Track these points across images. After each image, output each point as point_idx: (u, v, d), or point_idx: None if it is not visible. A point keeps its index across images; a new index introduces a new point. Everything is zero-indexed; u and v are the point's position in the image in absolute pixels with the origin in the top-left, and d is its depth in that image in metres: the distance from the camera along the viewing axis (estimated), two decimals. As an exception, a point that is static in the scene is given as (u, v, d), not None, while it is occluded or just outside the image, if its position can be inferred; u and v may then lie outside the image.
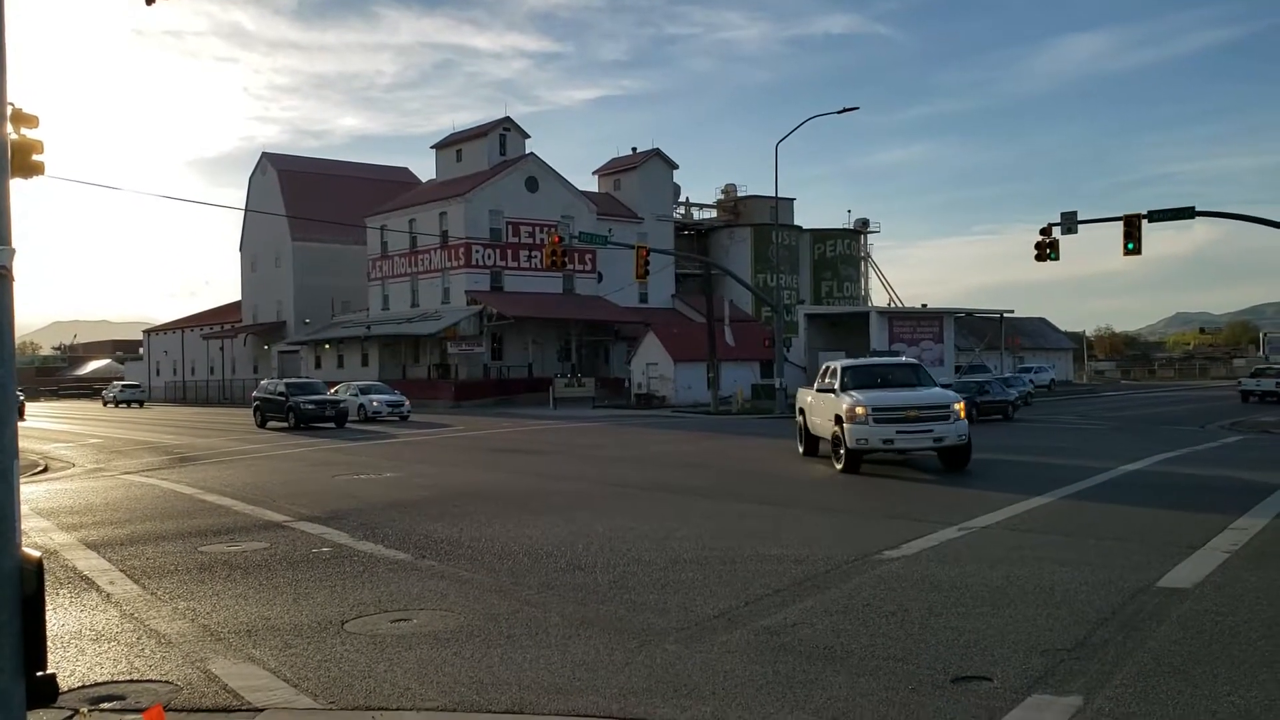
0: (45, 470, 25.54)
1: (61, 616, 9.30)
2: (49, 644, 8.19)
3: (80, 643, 8.42)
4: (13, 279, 3.02)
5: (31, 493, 20.20)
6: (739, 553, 11.67)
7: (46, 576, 10.63)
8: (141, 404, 75.35)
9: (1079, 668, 7.12)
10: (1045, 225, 35.80)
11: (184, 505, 17.57)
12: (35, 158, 20.32)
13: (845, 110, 44.20)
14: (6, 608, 2.90)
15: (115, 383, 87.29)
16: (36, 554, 3.00)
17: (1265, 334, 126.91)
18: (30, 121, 20.17)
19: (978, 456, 20.97)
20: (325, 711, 6.68)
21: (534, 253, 69.47)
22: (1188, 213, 34.21)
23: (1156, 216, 33.98)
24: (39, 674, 3.05)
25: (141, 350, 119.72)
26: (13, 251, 2.99)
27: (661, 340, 58.45)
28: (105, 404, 76.84)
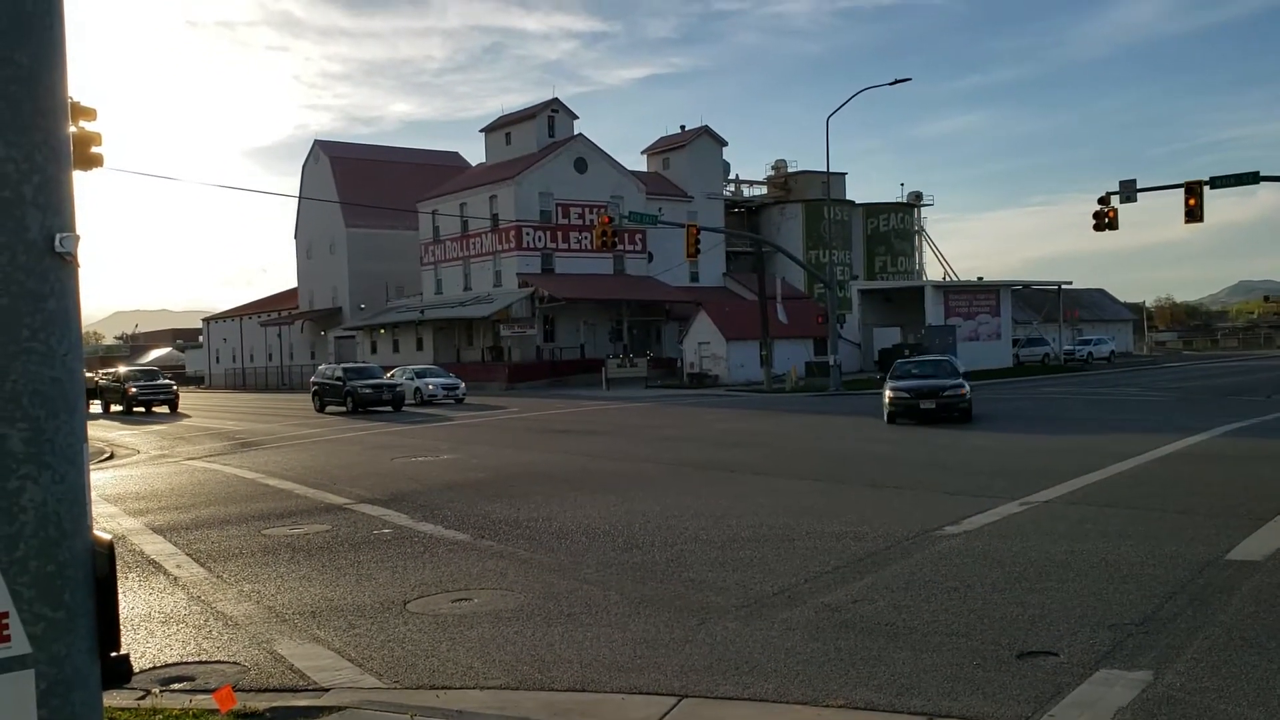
0: (111, 457, 26.07)
1: (131, 600, 9.50)
2: (120, 626, 8.39)
3: (150, 625, 8.59)
4: (78, 265, 3.05)
5: (99, 479, 20.63)
6: (796, 530, 11.63)
7: (116, 561, 10.84)
8: (173, 406, 48.65)
9: (1148, 642, 7.00)
10: (1103, 194, 35.14)
11: (246, 489, 17.85)
12: (94, 150, 20.66)
13: (897, 81, 43.61)
14: (80, 590, 2.95)
15: (122, 370, 57.58)
16: (108, 537, 3.05)
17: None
18: (89, 114, 20.50)
19: (1036, 431, 20.55)
20: (390, 690, 6.76)
21: (584, 234, 69.50)
22: (1251, 178, 33.37)
23: (1219, 183, 33.19)
24: (113, 654, 3.09)
25: (201, 338, 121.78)
26: (78, 238, 3.02)
27: (713, 319, 58.25)
28: (109, 407, 50.83)
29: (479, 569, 10.26)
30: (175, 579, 10.41)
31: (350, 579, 10.04)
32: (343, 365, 47.32)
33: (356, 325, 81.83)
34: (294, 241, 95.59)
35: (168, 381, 52.47)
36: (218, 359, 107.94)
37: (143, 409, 48.17)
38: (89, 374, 55.58)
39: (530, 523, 12.87)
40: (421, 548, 11.52)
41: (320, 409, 43.38)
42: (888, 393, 27.26)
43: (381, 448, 25.07)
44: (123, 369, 57.50)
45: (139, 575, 10.65)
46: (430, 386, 47.04)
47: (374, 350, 79.20)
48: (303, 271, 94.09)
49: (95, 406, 51.10)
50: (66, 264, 2.97)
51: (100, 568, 3.05)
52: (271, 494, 17.04)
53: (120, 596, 9.90)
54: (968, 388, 26.91)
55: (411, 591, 9.36)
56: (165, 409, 48.61)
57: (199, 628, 8.48)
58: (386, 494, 16.15)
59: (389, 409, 41.38)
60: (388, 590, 9.46)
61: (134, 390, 48.43)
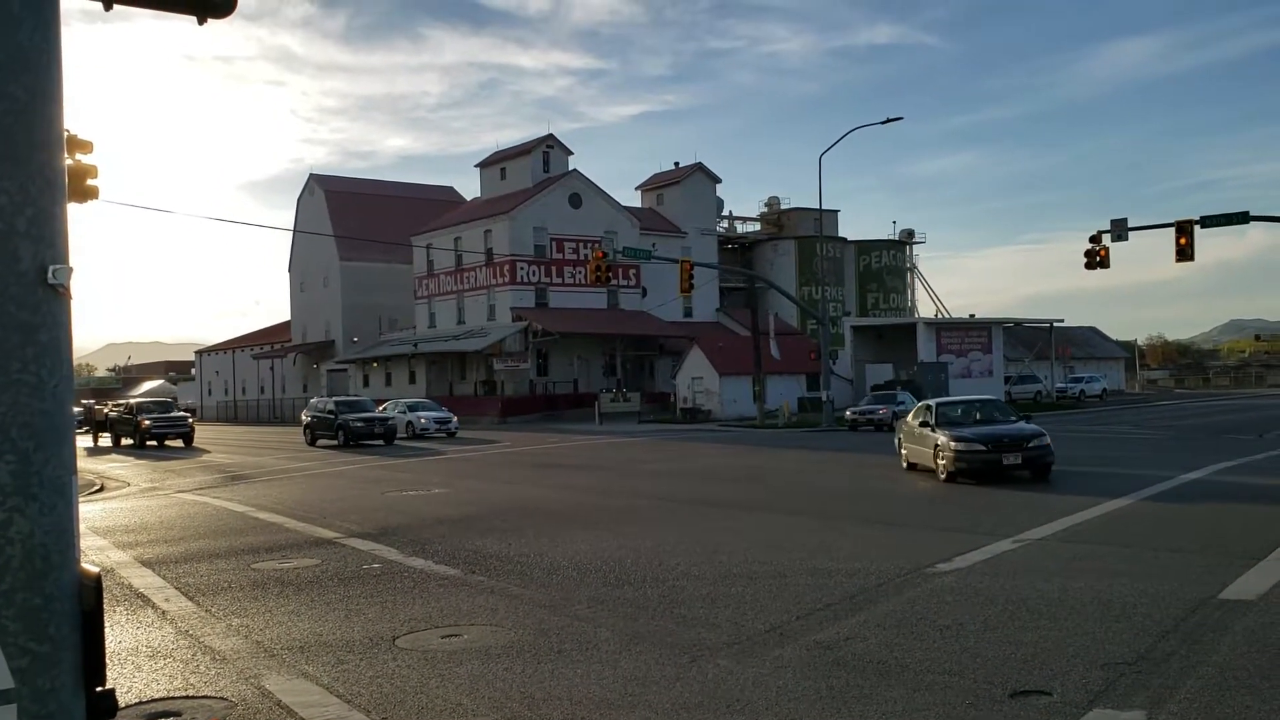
0: (101, 489, 25.94)
1: (118, 633, 9.41)
2: (107, 660, 8.31)
3: (137, 659, 8.51)
4: (70, 297, 3.05)
5: (88, 511, 20.51)
6: (789, 566, 11.58)
7: (104, 594, 10.71)
8: (188, 440, 45.76)
9: (1141, 682, 6.97)
10: (1095, 233, 35.36)
11: (236, 523, 17.76)
12: (90, 182, 20.68)
13: (889, 120, 44.01)
14: (66, 623, 2.92)
15: (134, 401, 52.97)
16: (95, 570, 3.02)
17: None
18: (85, 147, 20.54)
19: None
20: (378, 727, 6.68)
21: (578, 269, 69.67)
22: (1242, 218, 33.63)
23: (1210, 222, 33.43)
24: (98, 689, 3.06)
25: (193, 370, 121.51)
26: (70, 270, 3.02)
27: (706, 354, 58.33)
28: (119, 440, 48.13)
29: (469, 605, 10.19)
30: (163, 613, 10.33)
31: (339, 614, 9.97)
32: (334, 398, 47.25)
33: (349, 358, 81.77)
34: (288, 274, 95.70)
35: (183, 414, 49.98)
36: (210, 391, 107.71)
37: (155, 443, 45.61)
38: (98, 406, 54.76)
39: (521, 558, 12.81)
40: (411, 583, 11.45)
41: (311, 442, 43.24)
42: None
43: (372, 481, 24.97)
44: (135, 400, 54.62)
45: (127, 609, 10.57)
46: (422, 420, 46.94)
47: (366, 383, 79.09)
48: (296, 304, 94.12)
49: (104, 440, 49.87)
50: (59, 296, 2.96)
51: (87, 601, 3.02)
52: (261, 527, 16.94)
53: (108, 630, 9.78)
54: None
55: (401, 627, 9.29)
56: (180, 443, 46.03)
57: (186, 662, 8.40)
58: (377, 528, 16.07)
59: (381, 443, 41.27)
60: (377, 625, 9.39)
61: (148, 423, 45.68)
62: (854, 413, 43.78)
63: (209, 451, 42.36)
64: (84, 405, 60.96)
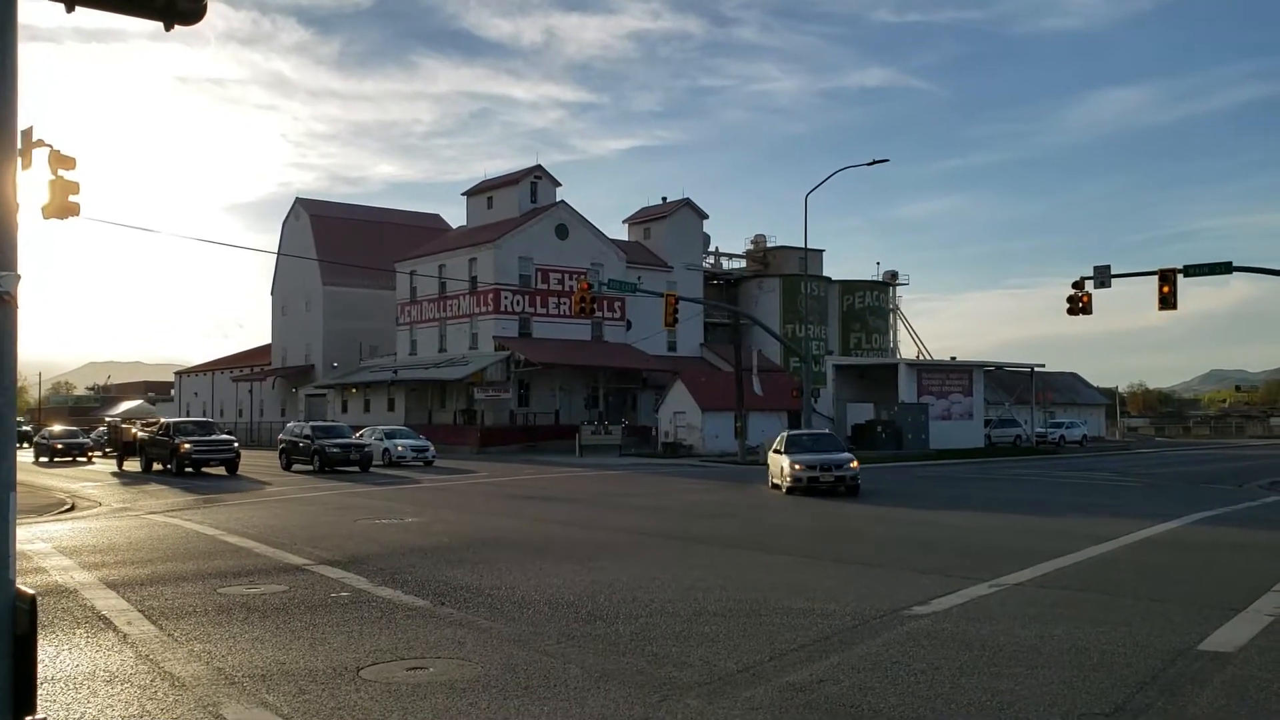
0: (72, 509, 25.57)
1: (76, 656, 9.18)
2: (62, 684, 8.09)
3: (93, 684, 8.28)
4: (16, 305, 2.92)
5: (56, 531, 20.20)
6: (764, 605, 11.43)
7: (65, 616, 10.48)
8: (232, 468, 39.76)
9: (1118, 733, 6.83)
10: (1078, 279, 35.53)
11: (205, 546, 17.48)
12: (72, 199, 20.53)
13: (875, 162, 44.25)
14: (-3, 647, 2.77)
15: (170, 421, 45.82)
16: (31, 592, 2.87)
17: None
18: (68, 163, 20.41)
19: (1008, 512, 20.54)
20: (336, 761, 6.49)
21: (563, 300, 69.64)
22: (1225, 268, 33.84)
23: (1193, 271, 33.63)
24: (28, 718, 2.89)
25: (173, 391, 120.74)
26: (17, 278, 2.89)
27: (689, 389, 58.25)
28: (151, 465, 41.97)
29: (437, 637, 10.00)
30: (124, 636, 10.09)
31: (304, 642, 9.76)
32: (311, 424, 46.83)
33: (328, 384, 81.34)
34: (270, 298, 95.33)
35: (228, 437, 42.96)
36: (189, 413, 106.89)
37: (192, 469, 39.27)
38: (125, 425, 49.98)
39: (492, 590, 12.61)
40: (379, 613, 11.24)
41: (287, 467, 42.85)
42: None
43: (345, 509, 24.70)
44: (170, 420, 46.22)
45: (87, 631, 10.33)
46: (399, 448, 46.65)
47: (345, 409, 78.64)
48: (277, 328, 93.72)
49: (133, 464, 43.64)
50: (4, 304, 2.84)
51: (20, 624, 2.87)
52: (230, 552, 16.68)
53: (66, 653, 9.57)
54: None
55: (366, 658, 9.09)
56: (222, 470, 39.67)
57: (144, 688, 8.17)
58: (347, 556, 15.84)
59: (356, 469, 40.94)
60: (342, 655, 9.19)
61: (188, 447, 39.18)
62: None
63: (270, 484, 36.25)
64: (109, 424, 57.41)
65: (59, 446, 52.88)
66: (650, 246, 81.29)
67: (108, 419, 63.08)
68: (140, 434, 43.98)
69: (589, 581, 13.16)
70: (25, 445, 61.59)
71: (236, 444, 41.47)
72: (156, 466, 41.04)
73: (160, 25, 3.35)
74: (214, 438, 41.05)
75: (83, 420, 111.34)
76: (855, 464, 28.11)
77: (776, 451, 29.74)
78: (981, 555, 15.78)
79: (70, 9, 3.15)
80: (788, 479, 27.80)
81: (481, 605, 11.62)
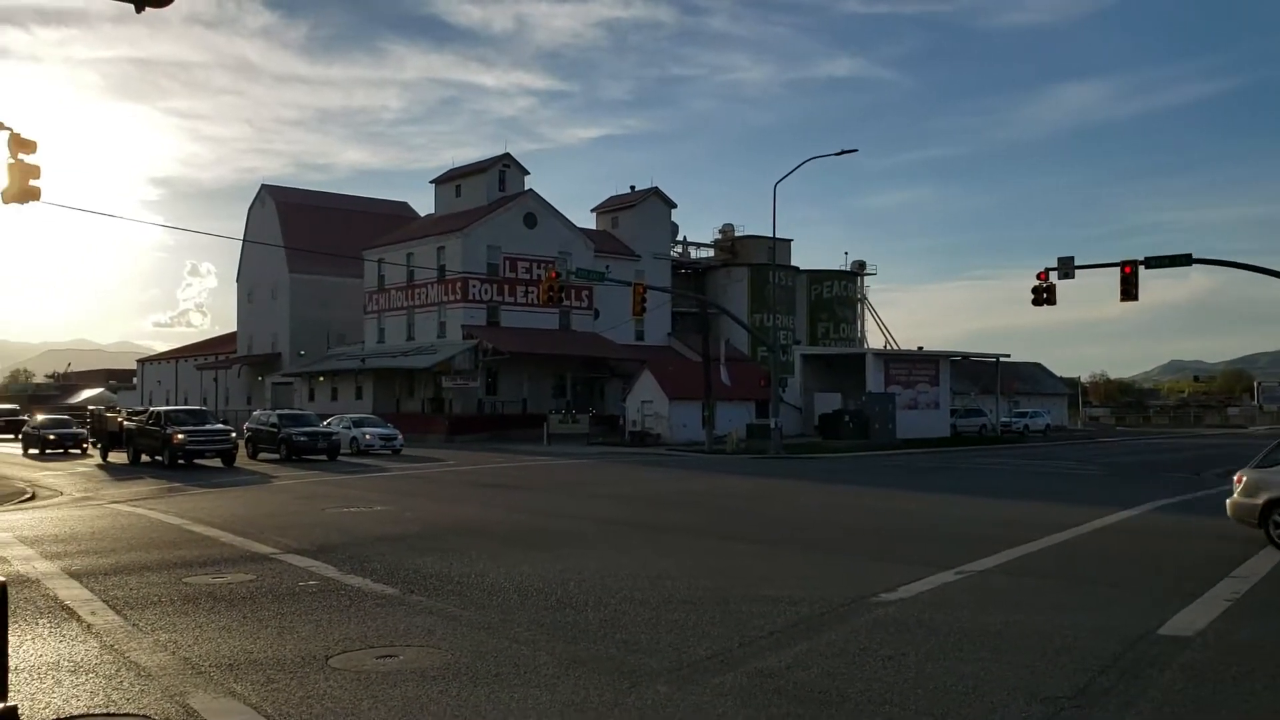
0: (33, 498, 25.26)
1: (40, 646, 9.10)
2: (26, 674, 8.02)
3: (57, 674, 8.22)
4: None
5: (17, 520, 19.96)
6: (732, 593, 11.50)
7: (27, 605, 10.36)
8: (228, 459, 37.53)
9: (1080, 716, 6.96)
10: (1042, 270, 35.85)
11: (171, 535, 17.34)
12: (32, 183, 20.26)
13: (844, 152, 44.41)
14: (-34, 635, 2.75)
15: (160, 409, 41.94)
16: (0, 579, 2.85)
17: (1259, 383, 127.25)
18: (29, 147, 20.14)
19: (974, 500, 20.71)
20: (305, 749, 6.48)
21: (531, 288, 69.48)
22: (1185, 260, 34.26)
23: (1154, 263, 34.03)
24: (1, 706, 2.89)
25: (135, 380, 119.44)
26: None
27: (657, 378, 58.29)
28: (139, 456, 39.62)
29: (406, 625, 9.99)
30: (89, 626, 10.01)
31: (272, 631, 9.72)
32: (278, 411, 46.40)
33: (295, 371, 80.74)
34: (236, 285, 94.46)
35: (223, 426, 40.32)
36: (151, 401, 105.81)
37: (185, 461, 36.95)
38: (110, 414, 46.12)
39: (462, 578, 12.61)
40: (348, 601, 11.21)
41: (253, 455, 42.50)
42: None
43: (313, 497, 24.57)
44: (159, 408, 42.71)
45: (50, 621, 10.23)
46: (367, 436, 46.40)
47: (312, 398, 78.11)
48: (243, 315, 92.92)
49: (119, 456, 41.54)
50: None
51: (-10, 612, 2.86)
52: (196, 541, 16.56)
53: (29, 643, 9.48)
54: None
55: (335, 646, 9.07)
56: (218, 462, 37.52)
57: (109, 678, 8.12)
58: (315, 544, 15.77)
59: (324, 458, 40.66)
60: (310, 644, 9.16)
61: (182, 437, 36.53)
62: None
63: (277, 479, 33.01)
64: (92, 412, 53.10)
65: (51, 437, 49.06)
66: (618, 235, 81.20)
67: (90, 408, 60.67)
68: (127, 423, 41.51)
69: (558, 569, 13.18)
70: (4, 437, 59.32)
71: (234, 434, 39.63)
72: (145, 459, 39.01)
73: (128, 7, 3.33)
74: (209, 427, 38.59)
75: (41, 409, 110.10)
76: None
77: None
78: (947, 543, 15.94)
79: (140, 9, 3.12)
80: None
81: (451, 593, 11.62)
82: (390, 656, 8.70)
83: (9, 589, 2.93)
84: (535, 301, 67.83)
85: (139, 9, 3.15)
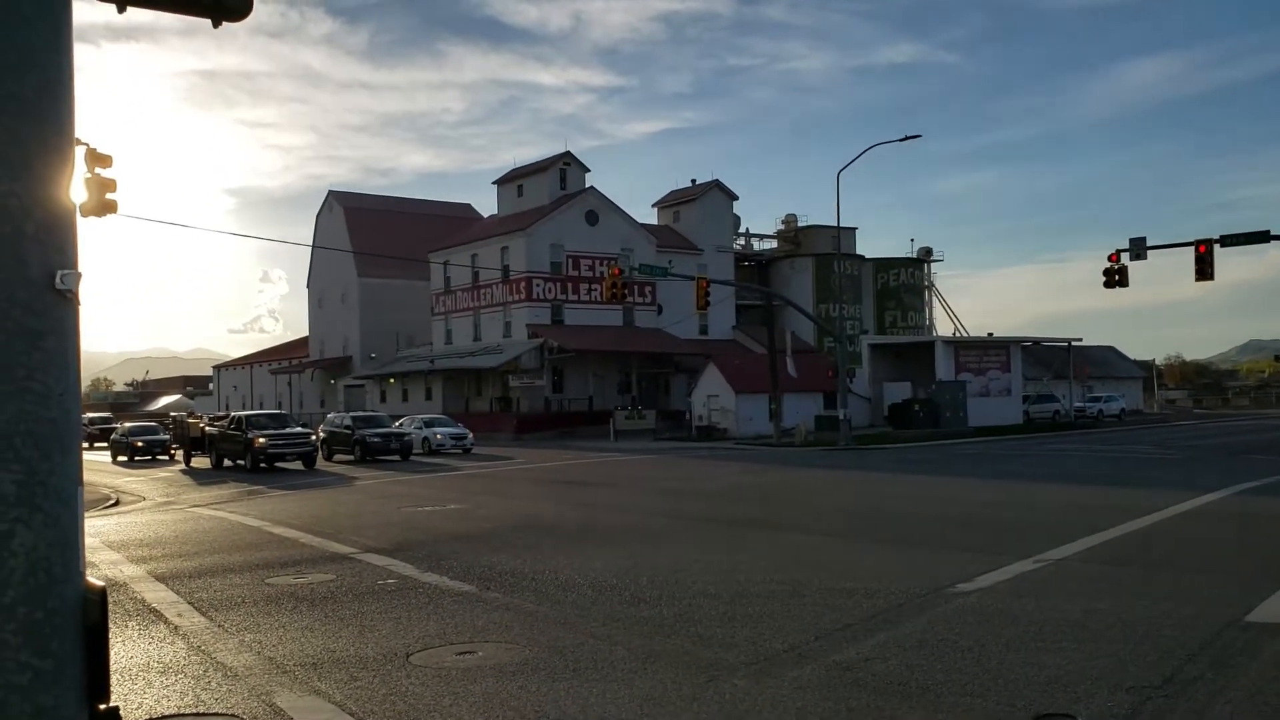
0: (116, 504, 25.96)
1: (130, 648, 9.35)
2: (118, 676, 8.25)
3: (148, 675, 8.44)
4: (79, 303, 2.98)
5: (103, 526, 20.52)
6: (807, 585, 11.45)
7: (116, 609, 10.66)
8: (309, 462, 38.19)
9: (1168, 705, 6.82)
10: (1114, 252, 35.15)
11: (251, 537, 17.71)
12: (109, 196, 20.76)
13: (907, 138, 43.90)
14: (70, 638, 2.84)
15: (240, 414, 42.98)
16: (100, 583, 2.95)
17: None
18: (105, 161, 20.63)
19: (1049, 487, 20.40)
20: (390, 746, 6.59)
21: (594, 286, 69.66)
22: (1262, 237, 33.38)
23: (1230, 241, 33.21)
24: (103, 706, 2.97)
25: (211, 385, 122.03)
26: (79, 275, 2.95)
27: (722, 372, 58.14)
28: (221, 461, 40.40)
29: (484, 621, 10.10)
30: (175, 628, 10.27)
31: (353, 630, 9.88)
32: (351, 414, 47.17)
33: (366, 374, 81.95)
34: (306, 290, 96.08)
35: (304, 429, 40.77)
36: (227, 406, 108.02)
37: (266, 464, 37.47)
38: (192, 420, 47.32)
39: (536, 575, 12.71)
40: (426, 599, 11.36)
41: (328, 457, 43.24)
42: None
43: (388, 497, 24.92)
44: (240, 413, 43.89)
45: (139, 624, 10.51)
46: (438, 436, 46.94)
47: (383, 399, 79.21)
48: (314, 320, 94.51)
49: (201, 461, 42.36)
50: (67, 301, 2.90)
51: (91, 615, 2.95)
52: (276, 542, 16.89)
53: (120, 645, 9.75)
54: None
55: (415, 643, 9.20)
56: (299, 464, 38.10)
57: (197, 678, 8.32)
58: (392, 544, 16.00)
59: (397, 458, 41.25)
60: (391, 642, 9.31)
61: (263, 441, 37.26)
62: None
63: (359, 481, 33.29)
64: (174, 419, 54.22)
65: (139, 444, 50.33)
66: (680, 229, 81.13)
67: (173, 414, 62.05)
68: (209, 429, 42.67)
69: (631, 565, 13.22)
70: (99, 445, 59.36)
71: (313, 436, 40.31)
72: (227, 463, 39.80)
73: (197, 21, 3.40)
74: (289, 430, 39.40)
75: (122, 416, 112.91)
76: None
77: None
78: (1024, 531, 15.71)
79: (121, 9, 3.21)
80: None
81: (526, 589, 11.72)
82: (469, 653, 8.80)
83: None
84: (599, 299, 67.98)
85: (216, 24, 3.22)
